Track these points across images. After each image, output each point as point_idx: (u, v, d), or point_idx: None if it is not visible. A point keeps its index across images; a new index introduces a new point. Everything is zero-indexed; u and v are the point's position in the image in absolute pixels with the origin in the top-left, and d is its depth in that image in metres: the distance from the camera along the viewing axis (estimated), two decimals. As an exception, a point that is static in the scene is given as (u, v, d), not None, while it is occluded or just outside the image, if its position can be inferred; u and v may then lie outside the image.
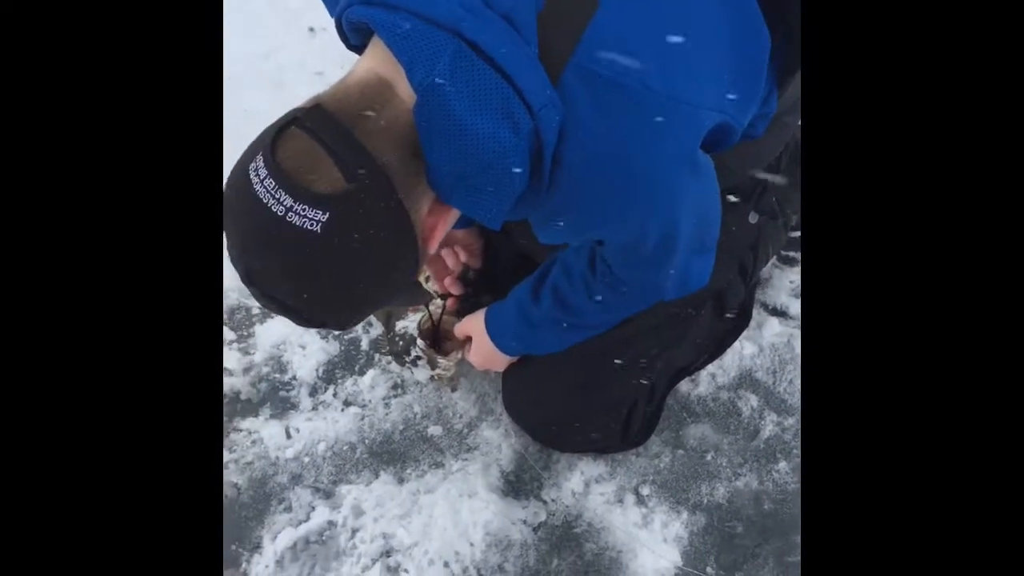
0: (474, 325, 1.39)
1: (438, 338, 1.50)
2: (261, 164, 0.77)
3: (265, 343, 1.64)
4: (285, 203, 0.76)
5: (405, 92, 0.81)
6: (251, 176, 0.78)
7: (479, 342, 1.39)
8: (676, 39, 0.86)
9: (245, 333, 1.66)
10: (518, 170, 0.84)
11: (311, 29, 2.10)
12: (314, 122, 0.78)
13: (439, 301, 1.51)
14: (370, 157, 0.78)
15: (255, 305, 1.68)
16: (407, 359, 1.59)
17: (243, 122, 1.93)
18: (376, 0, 0.81)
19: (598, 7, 0.83)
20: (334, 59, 2.00)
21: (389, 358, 1.62)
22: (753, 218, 1.38)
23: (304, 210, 0.76)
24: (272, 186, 0.76)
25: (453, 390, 1.57)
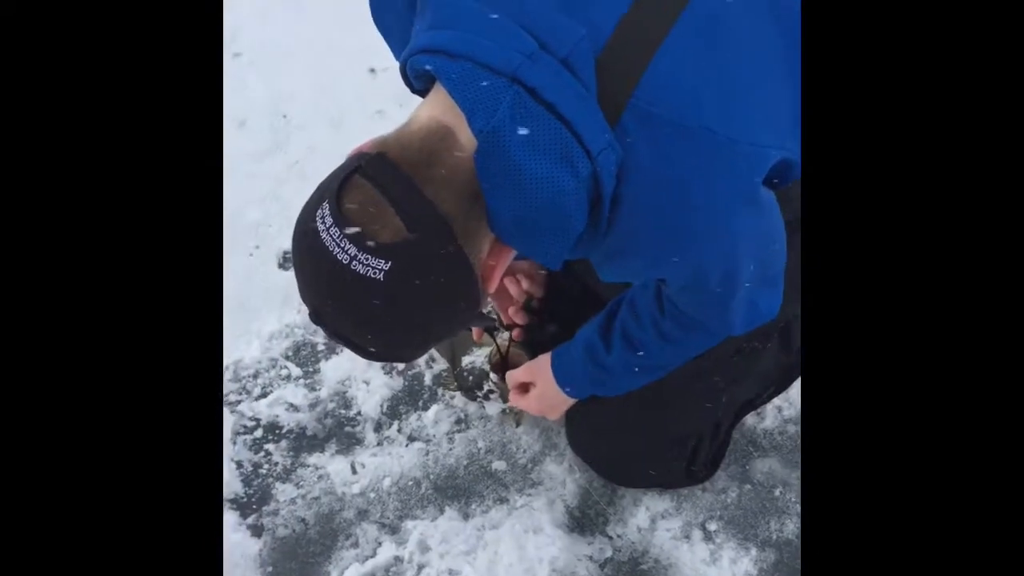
0: (536, 370, 1.37)
1: (507, 370, 1.50)
2: (327, 212, 0.80)
3: (331, 379, 1.66)
4: (350, 252, 0.78)
5: (467, 139, 0.82)
6: (318, 223, 0.80)
7: (545, 390, 1.36)
8: (735, 80, 0.87)
9: (311, 369, 1.68)
10: (576, 213, 0.85)
11: (372, 70, 2.14)
12: (376, 171, 0.80)
13: (505, 334, 1.51)
14: (431, 205, 0.80)
15: (320, 341, 1.71)
16: (479, 394, 1.59)
17: (306, 157, 1.99)
18: (439, 48, 0.83)
19: (658, 49, 0.84)
20: (394, 97, 2.03)
21: (454, 393, 1.62)
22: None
23: (367, 259, 0.78)
24: (337, 235, 0.79)
25: (518, 424, 1.57)
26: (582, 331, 1.28)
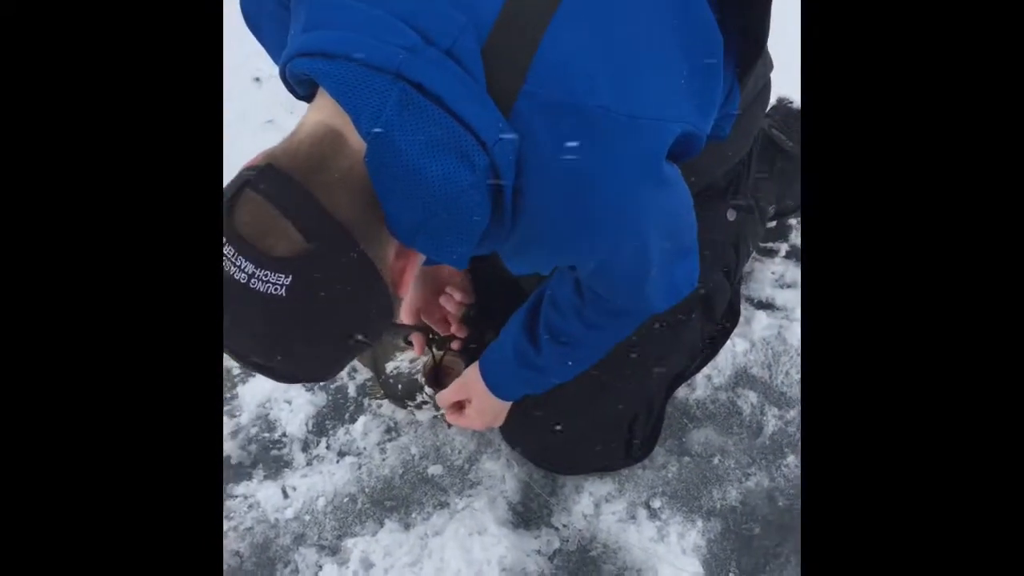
0: (469, 387, 1.32)
1: (440, 378, 1.46)
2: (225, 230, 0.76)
3: (250, 403, 1.60)
4: (247, 270, 0.74)
5: (356, 142, 0.78)
6: (223, 243, 0.76)
7: (481, 404, 1.32)
8: (627, 56, 0.84)
9: (228, 395, 1.61)
10: (478, 208, 0.82)
11: (256, 79, 2.07)
12: (267, 183, 0.76)
13: (434, 348, 1.46)
14: (327, 214, 0.76)
15: (235, 367, 1.64)
16: (411, 404, 1.53)
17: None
18: (315, 50, 0.79)
19: (545, 32, 0.81)
20: (283, 105, 1.97)
21: (381, 402, 1.58)
22: (731, 215, 1.36)
23: (267, 276, 0.74)
24: (232, 253, 0.75)
25: (450, 426, 1.53)
26: (506, 333, 1.25)
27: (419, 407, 1.53)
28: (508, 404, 1.33)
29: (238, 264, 0.74)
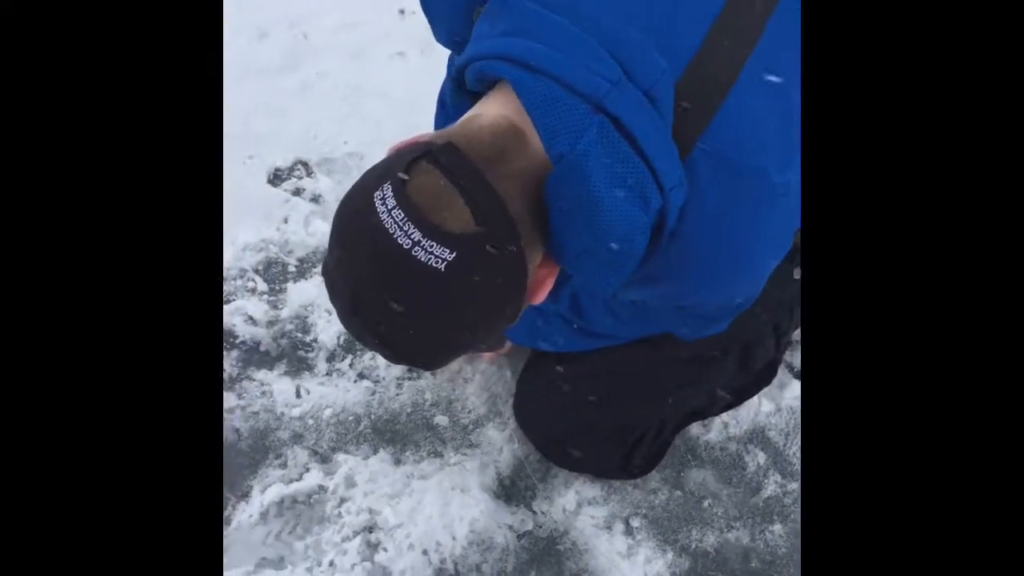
0: None
1: None
2: (389, 193, 0.75)
3: (294, 301, 1.65)
4: (413, 237, 0.74)
5: (536, 147, 0.80)
6: (376, 204, 0.76)
7: None
8: (796, 128, 0.86)
9: (277, 287, 1.67)
10: (640, 247, 0.84)
11: (401, 11, 2.13)
12: (448, 160, 0.77)
13: None
14: (501, 202, 0.77)
15: (292, 263, 1.70)
16: None
17: (317, 81, 1.98)
18: (517, 58, 0.81)
19: (734, 85, 0.83)
20: (417, 43, 2.02)
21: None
22: (796, 274, 1.37)
23: (432, 247, 0.74)
24: (401, 218, 0.74)
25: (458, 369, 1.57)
26: None
27: None
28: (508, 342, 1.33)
29: (405, 229, 0.74)
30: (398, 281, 0.75)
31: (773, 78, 0.85)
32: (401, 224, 0.74)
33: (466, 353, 1.01)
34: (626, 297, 1.03)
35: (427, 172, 0.76)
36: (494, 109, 0.83)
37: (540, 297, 0.88)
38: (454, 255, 0.74)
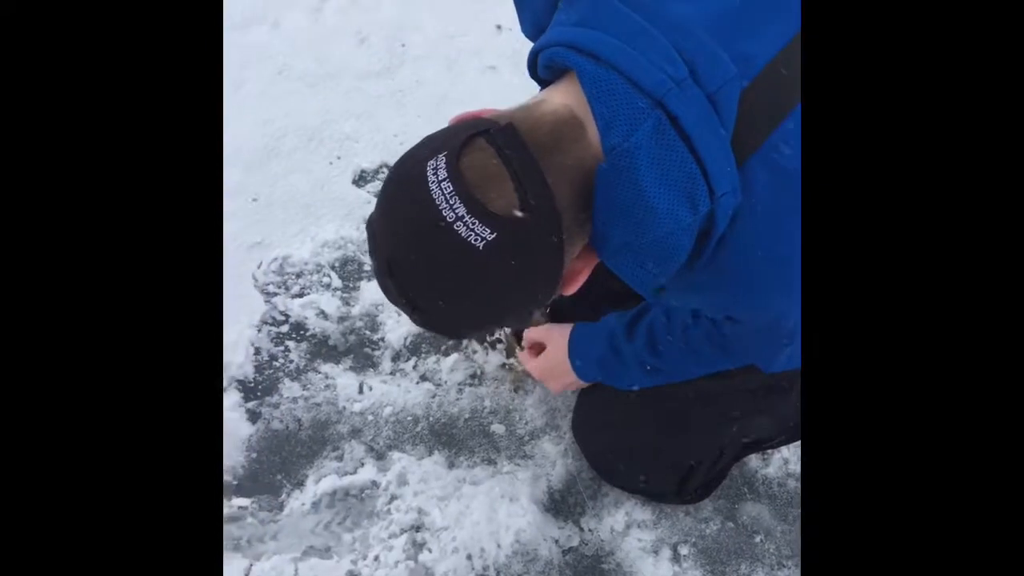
0: (554, 335, 1.35)
1: (521, 331, 1.50)
2: (443, 164, 0.77)
3: (366, 300, 1.69)
4: (457, 211, 0.75)
5: (594, 139, 0.80)
6: (428, 173, 0.77)
7: (554, 353, 1.35)
8: None
9: (351, 285, 1.71)
10: (684, 249, 0.83)
11: (498, 26, 2.16)
12: (505, 141, 0.77)
13: None
14: (549, 192, 0.77)
15: (367, 263, 1.74)
16: (489, 338, 1.59)
17: (411, 88, 2.02)
18: (586, 48, 0.81)
19: (798, 102, 0.82)
20: (510, 57, 2.05)
21: (475, 349, 1.64)
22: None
23: (474, 224, 0.75)
24: (449, 190, 0.75)
25: (515, 390, 1.57)
26: (608, 316, 1.28)
27: (493, 345, 1.58)
28: (573, 376, 1.33)
29: (451, 203, 0.75)
30: (436, 252, 0.77)
31: None
32: (448, 197, 0.75)
33: (492, 330, 1.02)
34: (671, 303, 1.02)
35: (482, 150, 0.77)
36: (559, 98, 0.83)
37: (573, 288, 0.88)
38: (494, 236, 0.75)
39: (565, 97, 0.82)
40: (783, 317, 0.96)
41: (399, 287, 0.82)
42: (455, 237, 0.75)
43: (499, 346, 1.60)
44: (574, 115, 0.81)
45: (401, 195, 0.80)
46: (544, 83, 0.90)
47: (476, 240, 0.75)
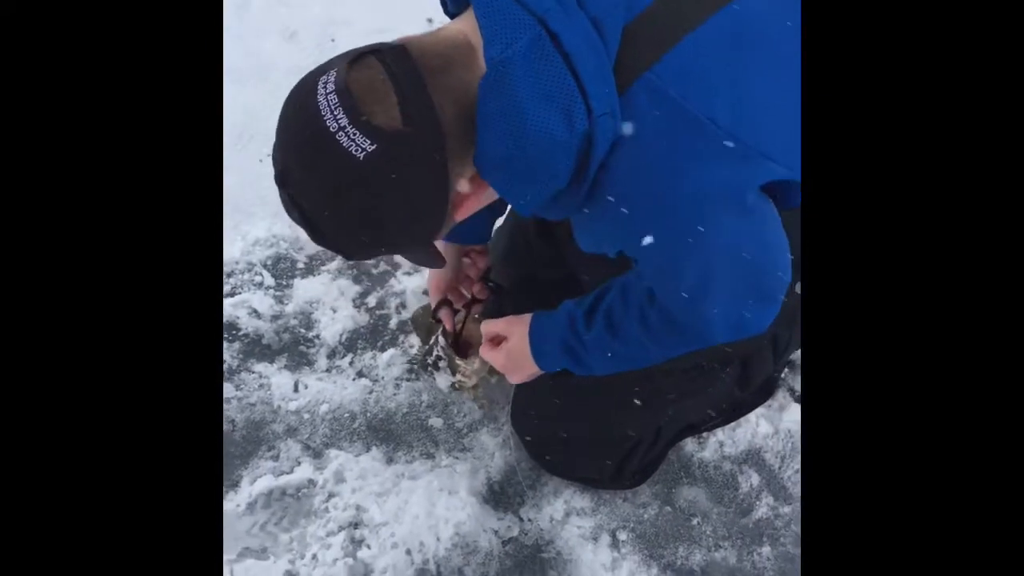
0: (513, 326, 1.32)
1: (459, 344, 1.49)
2: (331, 79, 0.80)
3: (300, 297, 1.67)
4: (340, 121, 0.79)
5: (484, 64, 0.83)
6: (319, 86, 0.81)
7: (516, 345, 1.31)
8: (753, 87, 0.87)
9: (284, 283, 1.69)
10: (560, 167, 0.85)
11: (429, 20, 2.15)
12: (394, 59, 0.81)
13: (461, 313, 1.48)
14: (433, 108, 0.80)
15: (301, 260, 1.72)
16: (429, 360, 1.57)
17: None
18: None
19: (688, 34, 0.84)
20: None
21: (413, 343, 1.63)
22: (798, 288, 1.35)
23: (354, 134, 0.79)
24: (334, 102, 0.79)
25: (476, 399, 1.56)
26: (567, 303, 1.26)
27: (435, 365, 1.56)
28: (535, 368, 1.30)
29: (335, 113, 0.79)
30: (319, 160, 0.81)
31: (734, 36, 0.87)
32: (333, 108, 0.79)
33: (390, 253, 1.03)
34: (583, 246, 1.03)
35: (370, 67, 0.81)
36: (456, 25, 0.86)
37: (464, 213, 0.91)
38: (374, 147, 0.79)
39: (463, 24, 0.86)
40: (679, 259, 0.95)
41: (290, 197, 0.85)
42: (336, 147, 0.79)
43: (441, 363, 1.56)
44: (467, 40, 0.84)
45: (292, 107, 0.84)
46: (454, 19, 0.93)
47: (356, 151, 0.79)
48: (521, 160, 0.84)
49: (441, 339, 1.50)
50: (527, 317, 1.30)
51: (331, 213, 0.85)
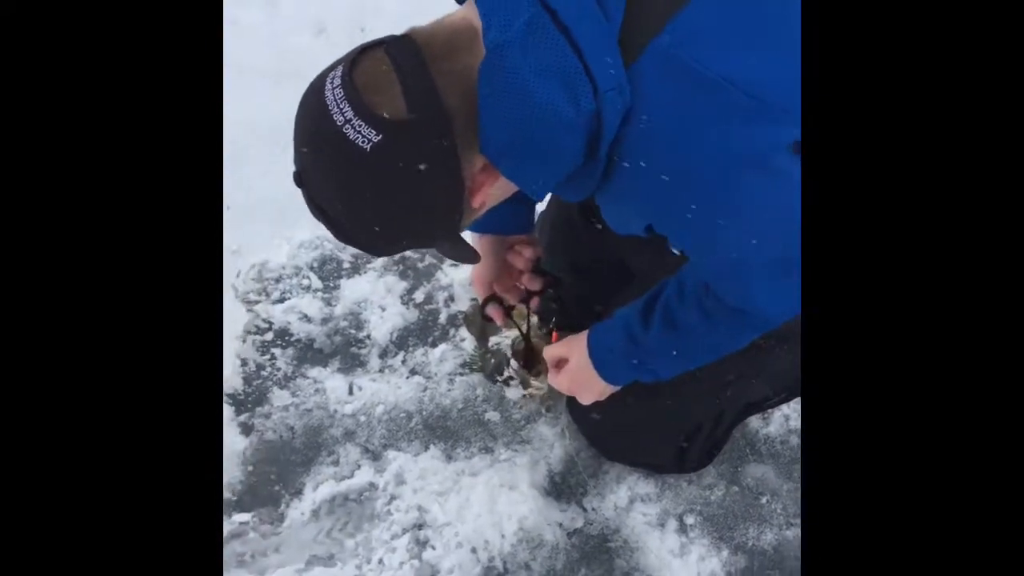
0: (572, 349, 1.27)
1: (531, 359, 1.46)
2: (339, 73, 0.80)
3: (348, 298, 1.67)
4: (346, 114, 0.78)
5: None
6: (327, 82, 0.81)
7: (578, 366, 1.26)
8: (772, 43, 0.84)
9: (331, 284, 1.69)
10: (569, 148, 0.83)
11: (460, 2, 2.11)
12: (399, 49, 0.80)
13: (532, 319, 1.43)
14: (437, 95, 0.79)
15: (346, 259, 1.71)
16: (499, 378, 1.55)
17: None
18: None
19: None
20: None
21: (464, 337, 1.61)
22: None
23: (360, 126, 0.78)
24: (340, 96, 0.79)
25: (548, 410, 1.54)
26: (621, 310, 1.22)
27: (506, 383, 1.54)
28: (603, 383, 1.25)
29: (341, 107, 0.78)
30: (328, 155, 0.81)
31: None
32: (339, 102, 0.79)
33: (415, 247, 1.01)
34: (614, 226, 1.00)
35: (375, 59, 0.80)
36: (462, 11, 0.85)
37: (483, 200, 0.88)
38: (380, 137, 0.78)
39: (467, 10, 0.84)
40: (706, 230, 0.91)
41: (308, 195, 0.86)
42: (344, 140, 0.79)
43: (512, 383, 1.54)
44: (471, 25, 0.83)
45: (304, 106, 0.84)
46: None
47: (363, 142, 0.78)
48: (526, 143, 0.83)
49: (513, 361, 1.49)
50: (584, 334, 1.26)
51: (346, 208, 0.84)
